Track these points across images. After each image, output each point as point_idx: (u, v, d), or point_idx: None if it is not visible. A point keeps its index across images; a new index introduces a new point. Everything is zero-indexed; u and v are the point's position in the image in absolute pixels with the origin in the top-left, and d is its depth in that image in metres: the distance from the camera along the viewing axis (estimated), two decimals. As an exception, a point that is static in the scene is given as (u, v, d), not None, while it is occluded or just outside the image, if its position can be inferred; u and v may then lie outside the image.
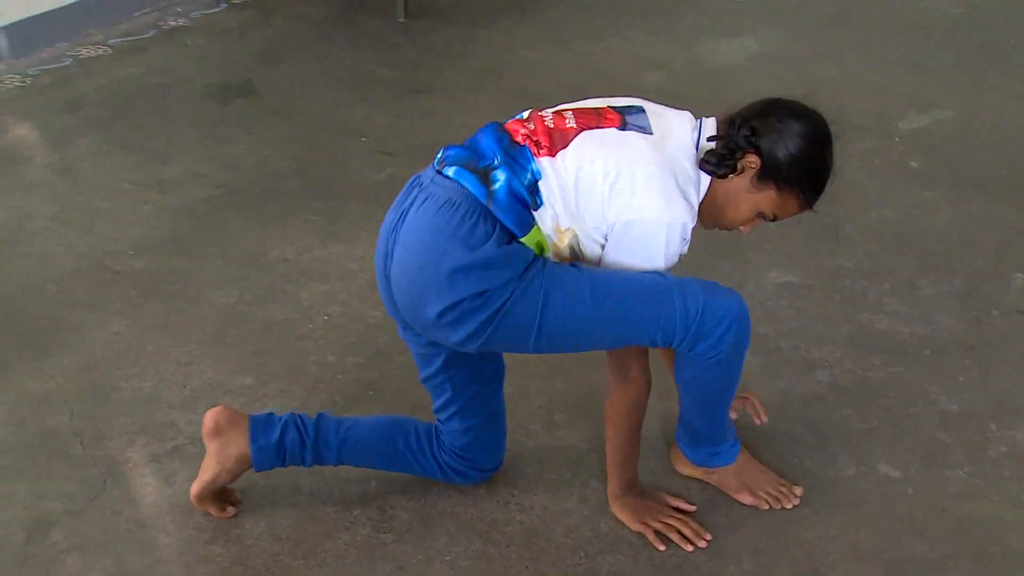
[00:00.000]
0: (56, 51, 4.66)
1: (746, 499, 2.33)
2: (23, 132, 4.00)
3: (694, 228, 2.11)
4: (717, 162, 2.06)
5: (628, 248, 2.07)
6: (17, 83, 4.39)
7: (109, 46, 4.73)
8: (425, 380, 2.29)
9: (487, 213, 2.03)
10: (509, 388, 2.61)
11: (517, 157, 2.06)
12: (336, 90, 4.33)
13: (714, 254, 3.18)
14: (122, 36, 4.81)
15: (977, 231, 3.31)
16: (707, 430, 2.28)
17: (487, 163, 2.07)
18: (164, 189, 3.57)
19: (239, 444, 2.25)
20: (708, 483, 2.38)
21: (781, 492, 2.33)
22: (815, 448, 2.49)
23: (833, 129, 2.14)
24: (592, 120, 2.11)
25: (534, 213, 2.05)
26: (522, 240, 2.05)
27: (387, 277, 2.13)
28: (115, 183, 3.63)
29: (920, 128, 3.97)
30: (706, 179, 2.10)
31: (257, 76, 4.44)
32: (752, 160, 2.07)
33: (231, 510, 2.32)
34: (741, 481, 2.33)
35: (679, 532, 2.25)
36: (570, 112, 2.14)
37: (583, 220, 2.07)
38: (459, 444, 2.30)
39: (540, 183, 2.05)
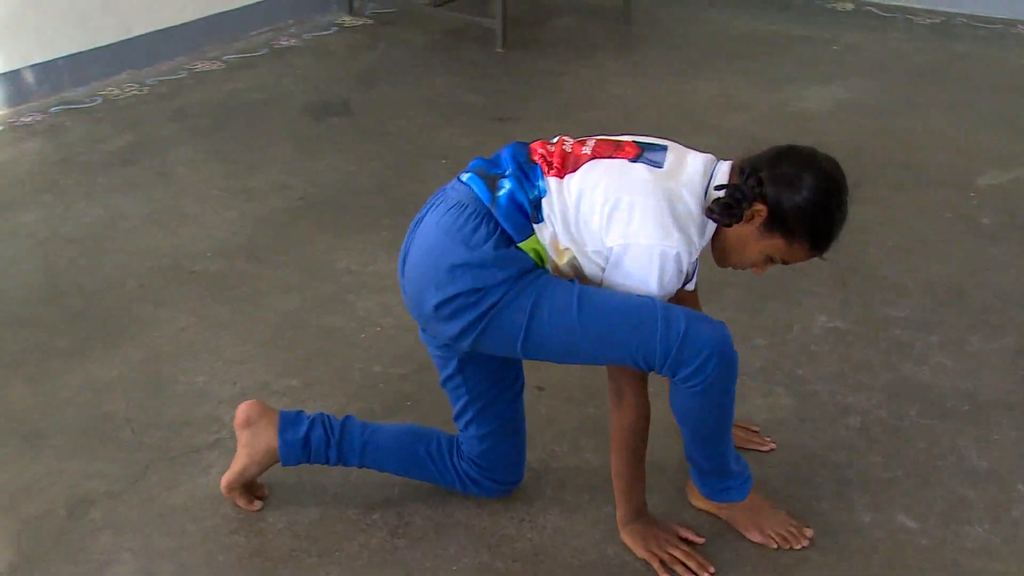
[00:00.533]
0: (175, 64, 4.82)
1: (755, 537, 2.28)
2: (132, 137, 4.15)
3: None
4: (721, 211, 2.03)
5: (624, 273, 2.05)
6: (135, 91, 4.56)
7: (223, 62, 4.88)
8: (444, 383, 2.31)
9: (489, 216, 2.07)
10: (542, 410, 2.64)
11: (528, 172, 2.09)
12: (425, 114, 4.38)
13: (765, 296, 3.13)
14: (236, 53, 4.96)
15: (1039, 291, 3.18)
16: (707, 463, 2.24)
17: (498, 172, 2.11)
18: (249, 197, 3.66)
19: (268, 437, 2.29)
20: (720, 517, 2.33)
21: (791, 533, 2.27)
22: (833, 493, 2.42)
23: (852, 179, 2.10)
24: (608, 150, 2.11)
25: (534, 225, 2.08)
26: (520, 246, 2.07)
27: (403, 275, 2.19)
28: (205, 189, 3.73)
29: (998, 185, 3.84)
30: (712, 224, 2.08)
31: (354, 96, 4.52)
32: (759, 209, 2.04)
33: (258, 503, 2.36)
34: (751, 519, 2.28)
35: (684, 564, 2.21)
36: (592, 141, 2.15)
37: (583, 243, 2.08)
38: (476, 452, 2.30)
39: (543, 200, 2.07)
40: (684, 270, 2.06)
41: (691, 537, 2.27)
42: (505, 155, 2.14)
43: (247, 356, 2.86)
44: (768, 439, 2.56)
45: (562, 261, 2.10)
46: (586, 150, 2.12)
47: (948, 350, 2.90)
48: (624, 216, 2.02)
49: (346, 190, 3.75)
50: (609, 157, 2.09)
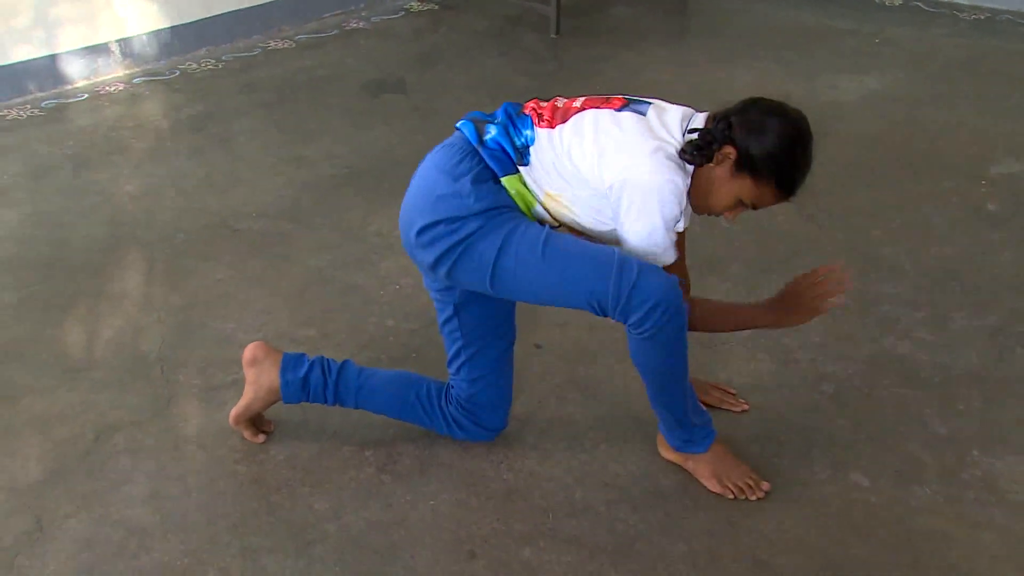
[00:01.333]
0: (250, 42, 4.95)
1: (714, 487, 2.30)
2: (202, 107, 4.28)
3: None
4: (693, 151, 2.08)
5: (626, 208, 2.08)
6: (211, 66, 4.69)
7: (295, 41, 4.99)
8: (441, 326, 2.37)
9: (475, 153, 2.17)
10: (535, 366, 2.68)
11: (517, 122, 2.18)
12: (474, 93, 4.43)
13: (766, 270, 3.13)
14: (308, 33, 5.06)
15: (1032, 275, 3.13)
16: (668, 413, 2.26)
17: (489, 120, 2.21)
18: (299, 165, 3.76)
19: (271, 376, 2.39)
20: (685, 468, 2.36)
21: (748, 485, 2.30)
22: (798, 451, 2.43)
23: (816, 130, 2.14)
24: (597, 103, 2.17)
25: (519, 168, 2.16)
26: (503, 181, 2.15)
27: (402, 210, 2.28)
28: (261, 156, 3.84)
29: (1010, 174, 3.77)
30: (690, 167, 2.12)
31: (410, 76, 4.59)
32: (728, 151, 2.08)
33: (262, 437, 2.45)
34: (712, 470, 2.31)
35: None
36: (583, 98, 2.22)
37: (578, 187, 2.13)
38: (464, 396, 2.36)
39: (531, 147, 2.15)
40: (682, 202, 2.09)
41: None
42: (500, 109, 2.24)
43: (273, 307, 2.96)
44: (743, 401, 2.58)
45: (554, 209, 2.17)
46: (577, 104, 2.19)
47: (931, 326, 2.87)
48: (618, 156, 2.07)
49: (388, 160, 3.83)
50: (597, 108, 2.15)
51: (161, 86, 4.46)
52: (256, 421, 2.46)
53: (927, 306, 2.96)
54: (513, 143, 2.16)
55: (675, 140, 2.12)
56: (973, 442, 2.45)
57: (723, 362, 2.74)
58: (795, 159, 2.10)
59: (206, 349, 2.77)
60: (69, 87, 4.43)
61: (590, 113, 2.16)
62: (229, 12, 4.90)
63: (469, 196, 2.13)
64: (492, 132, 2.18)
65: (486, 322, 2.33)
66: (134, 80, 4.51)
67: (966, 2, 5.53)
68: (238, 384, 2.61)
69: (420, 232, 2.18)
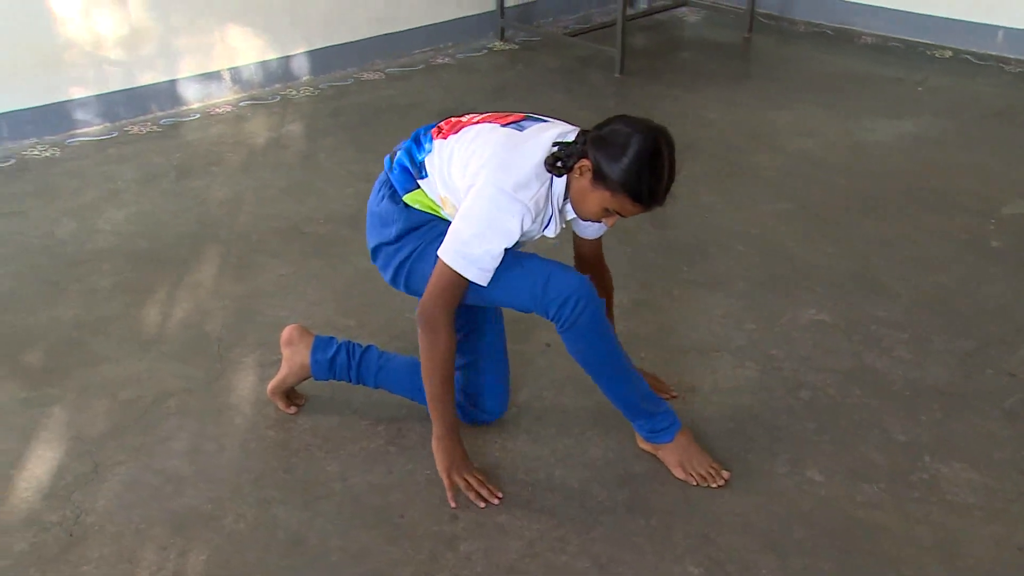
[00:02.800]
0: (345, 73, 5.17)
1: (679, 474, 2.38)
2: (294, 127, 4.51)
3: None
4: (551, 163, 2.13)
5: (466, 209, 2.14)
6: (309, 93, 4.93)
7: (385, 73, 5.20)
8: None
9: (387, 179, 2.32)
10: (541, 362, 2.79)
11: (421, 139, 2.30)
12: (535, 123, 4.55)
13: (769, 289, 3.19)
14: (398, 67, 5.27)
15: (1018, 306, 3.10)
16: (620, 405, 2.35)
17: (399, 145, 2.35)
18: (368, 179, 3.85)
19: (303, 355, 2.55)
20: (657, 457, 2.44)
21: (710, 473, 2.36)
22: (763, 447, 2.49)
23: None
24: (493, 119, 2.27)
25: (419, 181, 2.27)
26: (405, 199, 2.28)
27: None
28: (336, 171, 4.04)
29: (1019, 215, 3.73)
30: (562, 181, 2.18)
31: (480, 105, 4.73)
32: (584, 164, 2.10)
33: (293, 409, 2.61)
34: (678, 458, 2.38)
35: (476, 492, 2.30)
36: (488, 114, 2.31)
37: (455, 192, 2.23)
38: (460, 379, 2.47)
39: (426, 159, 2.26)
40: (522, 214, 2.11)
41: (488, 490, 2.31)
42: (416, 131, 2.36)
43: (323, 299, 3.13)
44: (673, 391, 2.64)
45: (447, 209, 2.26)
46: (475, 118, 2.27)
47: (911, 346, 2.89)
48: (477, 163, 2.15)
49: (448, 179, 3.98)
50: (487, 123, 2.24)
51: (262, 109, 4.70)
52: (290, 394, 2.62)
53: (911, 328, 2.98)
54: (413, 160, 2.28)
55: (541, 152, 2.14)
56: (926, 449, 2.47)
57: (711, 367, 2.80)
58: (645, 173, 2.07)
59: (259, 332, 2.96)
60: (185, 108, 4.71)
61: (476, 128, 2.23)
62: (329, 46, 5.13)
63: (390, 219, 2.29)
64: (398, 155, 2.32)
65: (468, 314, 2.41)
66: (240, 103, 4.76)
67: (1013, 55, 5.45)
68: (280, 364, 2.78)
69: (372, 256, 2.37)
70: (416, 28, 5.45)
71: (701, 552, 2.17)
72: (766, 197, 3.83)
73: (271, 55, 4.95)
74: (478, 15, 5.69)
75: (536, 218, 2.17)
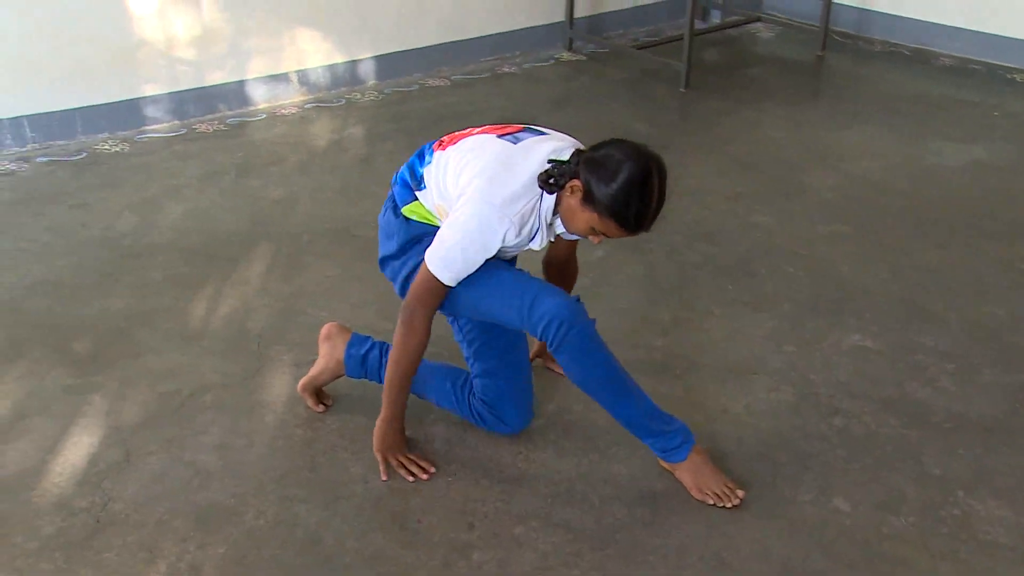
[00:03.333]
0: (411, 79, 5.22)
1: (696, 494, 2.34)
2: (355, 131, 4.56)
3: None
4: (544, 180, 2.17)
5: (454, 217, 2.19)
6: (373, 97, 4.99)
7: (450, 80, 5.24)
8: (452, 326, 2.52)
9: (390, 194, 2.38)
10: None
11: (425, 152, 2.35)
12: (594, 134, 4.51)
13: (815, 312, 3.14)
14: (463, 75, 5.30)
15: (1079, 340, 3.00)
16: (628, 425, 2.33)
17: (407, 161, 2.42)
18: (422, 185, 3.96)
19: (339, 350, 2.59)
20: (675, 476, 2.41)
21: (725, 493, 2.32)
22: (790, 474, 2.44)
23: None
24: (491, 130, 2.31)
25: (417, 192, 2.31)
26: (403, 212, 2.33)
27: None
28: (391, 174, 4.04)
29: (1086, 246, 3.61)
30: (551, 198, 2.22)
31: (541, 115, 4.74)
32: (576, 184, 2.14)
33: (321, 407, 2.64)
34: (693, 478, 2.35)
35: (406, 468, 2.39)
36: (489, 125, 2.37)
37: (450, 199, 2.26)
38: (480, 387, 2.48)
39: (426, 170, 2.30)
40: (503, 228, 2.16)
41: (422, 463, 2.42)
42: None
43: (366, 302, 3.16)
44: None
45: (442, 219, 2.30)
46: (475, 130, 2.31)
47: (957, 377, 2.81)
48: (466, 176, 2.19)
49: (501, 188, 3.99)
50: (486, 134, 2.28)
51: (327, 112, 4.77)
52: (319, 393, 2.65)
53: (958, 359, 2.90)
54: (414, 173, 2.33)
55: (537, 166, 2.18)
56: (961, 484, 2.40)
57: (746, 389, 2.76)
58: (633, 200, 2.09)
59: (299, 332, 2.99)
60: (252, 108, 4.80)
61: (473, 139, 2.27)
62: (396, 52, 5.19)
63: (392, 232, 2.36)
64: (401, 170, 2.39)
65: (481, 322, 2.43)
66: (306, 105, 4.84)
67: (1096, 81, 5.28)
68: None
69: (380, 268, 2.43)
70: (484, 36, 5.48)
71: (714, 575, 2.13)
72: (822, 218, 3.77)
73: (338, 59, 5.02)
74: (547, 25, 5.70)
75: (521, 231, 2.21)
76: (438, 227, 2.32)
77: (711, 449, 2.44)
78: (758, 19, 6.27)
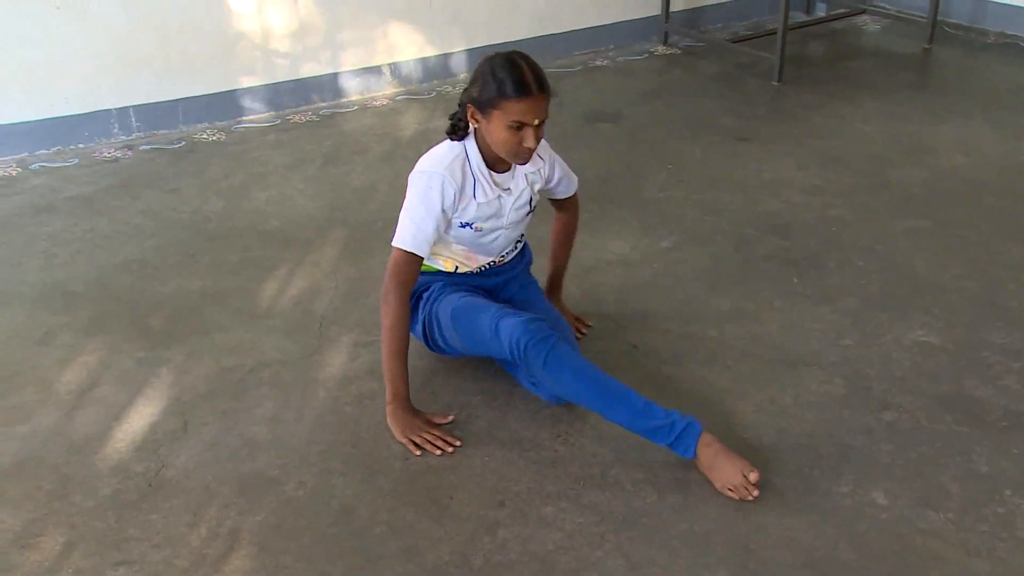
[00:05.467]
0: (502, 71, 5.27)
1: (717, 486, 2.31)
2: (443, 123, 4.59)
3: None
4: (450, 131, 2.50)
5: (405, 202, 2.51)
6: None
7: (541, 73, 5.26)
8: None
9: None
10: (626, 363, 2.80)
11: None
12: (678, 128, 4.53)
13: (879, 307, 3.07)
14: (555, 68, 5.32)
15: None
16: (624, 426, 2.39)
17: None
18: (498, 175, 4.01)
19: None
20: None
21: (744, 486, 2.28)
22: (830, 465, 2.40)
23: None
24: None
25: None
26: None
27: None
28: (470, 165, 4.12)
29: None
30: (471, 143, 2.48)
31: (628, 109, 4.75)
32: (469, 109, 2.41)
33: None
34: (712, 474, 2.31)
35: (432, 443, 2.45)
36: None
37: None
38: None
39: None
40: (440, 176, 2.44)
41: (439, 419, 2.53)
42: None
43: (427, 286, 3.22)
44: (587, 324, 2.92)
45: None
46: None
47: (1022, 376, 2.71)
48: None
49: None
50: None
51: (416, 104, 4.87)
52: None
53: (1027, 358, 2.79)
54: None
55: (446, 140, 2.53)
56: (1010, 483, 2.32)
57: (797, 380, 2.73)
58: (501, 72, 2.32)
59: (360, 313, 3.08)
60: (344, 100, 4.94)
61: None
62: (488, 45, 5.24)
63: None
64: None
65: (516, 302, 2.74)
66: (397, 98, 4.95)
67: None
68: (375, 345, 2.88)
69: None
70: (577, 30, 5.50)
71: (738, 562, 2.12)
72: (903, 213, 3.67)
73: (431, 52, 5.12)
74: (642, 19, 5.68)
75: (461, 186, 2.45)
76: (433, 270, 2.64)
77: (741, 437, 2.43)
78: (864, 11, 6.12)
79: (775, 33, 5.09)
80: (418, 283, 2.59)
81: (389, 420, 2.52)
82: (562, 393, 2.43)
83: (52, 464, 2.48)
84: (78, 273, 3.39)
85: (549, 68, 5.28)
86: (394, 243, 2.49)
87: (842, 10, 6.13)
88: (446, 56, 5.18)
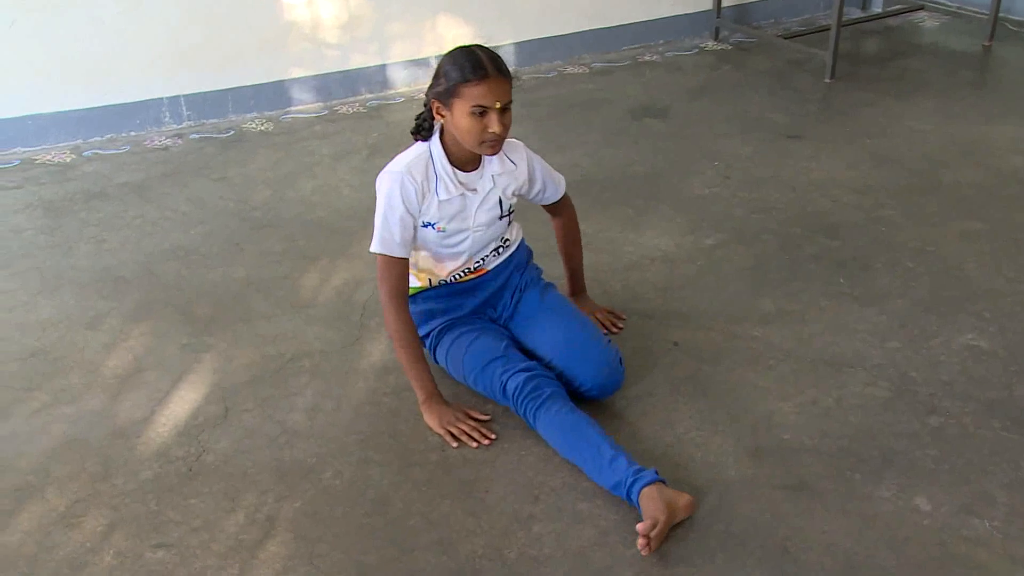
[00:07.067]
0: (551, 66, 5.28)
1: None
2: (488, 116, 4.64)
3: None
4: (415, 132, 2.52)
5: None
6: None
7: (589, 68, 5.27)
8: None
9: None
10: (666, 360, 2.78)
11: None
12: (727, 124, 4.49)
13: (929, 310, 3.02)
14: (603, 62, 5.32)
15: None
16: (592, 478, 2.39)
17: None
18: (543, 169, 4.01)
19: None
20: (753, 467, 2.38)
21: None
22: (872, 469, 2.37)
23: None
24: None
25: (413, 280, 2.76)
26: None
27: None
28: (515, 159, 4.13)
29: None
30: (436, 143, 2.49)
31: (676, 104, 4.73)
32: (433, 104, 2.43)
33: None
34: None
35: (469, 435, 2.47)
36: None
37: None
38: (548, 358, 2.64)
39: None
40: (400, 175, 2.46)
41: (477, 415, 2.54)
42: None
43: (469, 279, 3.23)
44: (620, 317, 2.93)
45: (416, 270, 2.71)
46: None
47: (1074, 383, 2.66)
48: None
49: (622, 174, 4.00)
50: None
51: (463, 96, 4.87)
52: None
53: (1083, 365, 2.74)
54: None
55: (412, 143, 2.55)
56: (1059, 494, 2.28)
57: (840, 382, 2.70)
58: (460, 59, 2.36)
59: (401, 305, 3.09)
60: (392, 91, 4.97)
61: None
62: (537, 39, 5.26)
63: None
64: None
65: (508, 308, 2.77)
66: (444, 90, 4.95)
67: None
68: (412, 335, 2.89)
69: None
70: (627, 24, 5.49)
71: (774, 564, 2.11)
72: (956, 215, 3.61)
73: (480, 45, 5.12)
74: (693, 14, 5.65)
75: (423, 183, 2.47)
76: (414, 291, 2.66)
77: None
78: (922, 7, 6.03)
79: (828, 29, 5.03)
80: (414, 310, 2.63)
81: (426, 417, 2.54)
82: (554, 444, 2.44)
83: (96, 446, 2.53)
84: (126, 259, 3.45)
85: (597, 63, 5.31)
86: (371, 249, 2.54)
87: (899, 6, 6.05)
88: (495, 49, 5.16)
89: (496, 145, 2.42)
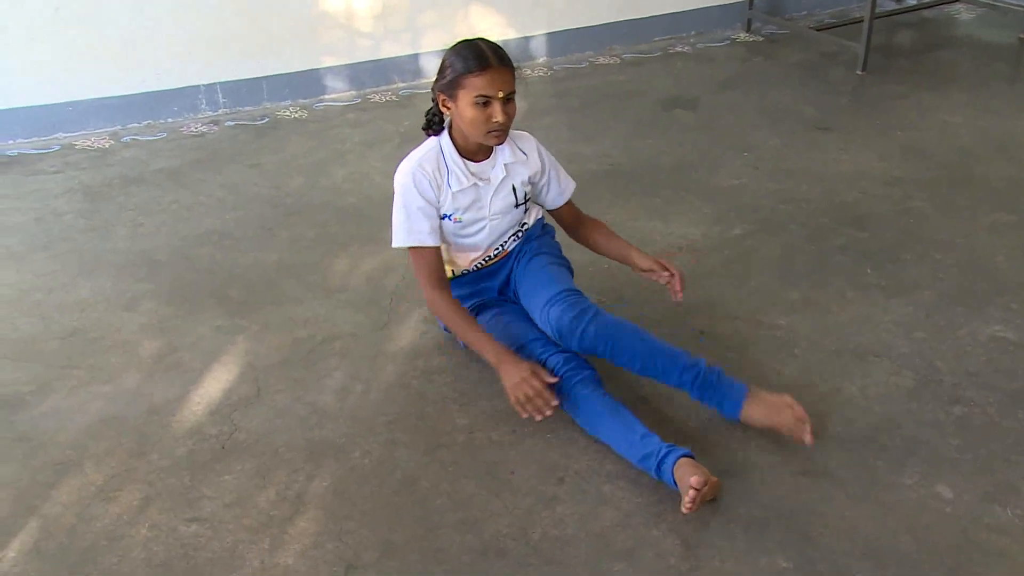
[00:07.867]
0: (582, 56, 5.31)
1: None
2: (519, 104, 4.67)
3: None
4: (426, 127, 2.57)
5: None
6: (543, 73, 5.10)
7: (621, 59, 5.28)
8: None
9: None
10: (689, 349, 2.79)
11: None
12: (757, 116, 4.50)
13: (956, 301, 3.03)
14: (635, 53, 5.33)
15: None
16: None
17: None
18: (572, 159, 4.04)
19: None
20: (775, 442, 2.40)
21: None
22: (895, 458, 2.39)
23: None
24: None
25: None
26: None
27: None
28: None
29: None
30: (445, 138, 2.54)
31: (705, 96, 4.74)
32: (440, 98, 2.47)
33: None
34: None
35: (533, 401, 2.40)
36: None
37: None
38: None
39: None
40: (412, 169, 2.53)
41: (545, 376, 2.42)
42: None
43: (498, 266, 3.27)
44: (672, 273, 2.66)
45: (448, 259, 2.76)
46: None
47: (1100, 376, 2.66)
48: None
49: (650, 165, 4.02)
50: None
51: (495, 86, 4.91)
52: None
53: (1109, 357, 2.74)
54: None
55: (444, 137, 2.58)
56: (1081, 483, 2.29)
57: (864, 372, 2.72)
58: (463, 52, 2.40)
59: (431, 290, 3.14)
60: (424, 80, 5.01)
61: None
62: (569, 29, 5.28)
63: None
64: None
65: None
66: (476, 79, 4.99)
67: None
68: (441, 320, 2.94)
69: None
70: (659, 16, 5.50)
71: (796, 548, 2.14)
72: (987, 207, 3.61)
73: (511, 35, 5.16)
74: (725, 5, 5.65)
75: (435, 176, 2.53)
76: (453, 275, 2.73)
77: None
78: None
79: (861, 21, 5.02)
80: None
81: (503, 379, 2.41)
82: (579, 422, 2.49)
83: (133, 424, 2.59)
84: (162, 243, 3.52)
85: (628, 54, 5.33)
86: (393, 244, 2.59)
87: (934, -1, 6.02)
88: (527, 39, 5.22)
89: (501, 135, 2.47)
